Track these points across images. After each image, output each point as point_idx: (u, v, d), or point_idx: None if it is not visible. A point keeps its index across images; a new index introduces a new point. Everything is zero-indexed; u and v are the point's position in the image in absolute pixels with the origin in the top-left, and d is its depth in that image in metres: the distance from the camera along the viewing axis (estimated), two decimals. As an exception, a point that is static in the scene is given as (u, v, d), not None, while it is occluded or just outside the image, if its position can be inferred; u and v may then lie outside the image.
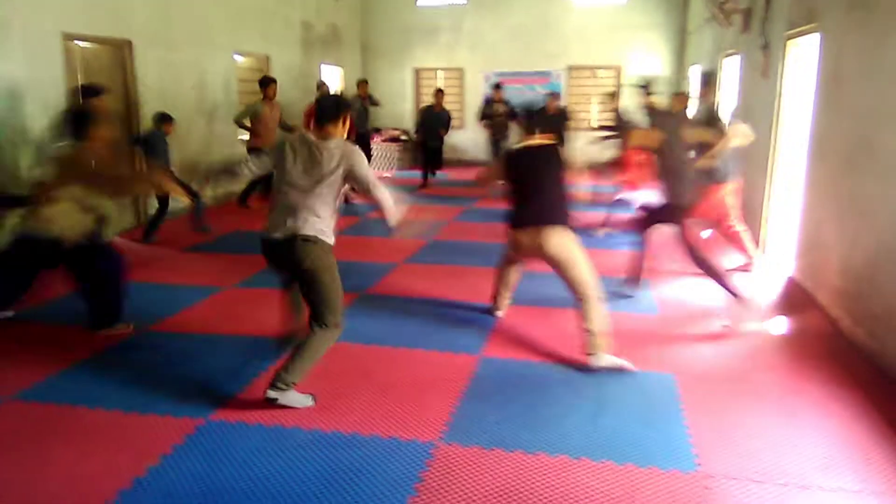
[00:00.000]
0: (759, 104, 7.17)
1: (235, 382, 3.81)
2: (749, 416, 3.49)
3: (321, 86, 10.53)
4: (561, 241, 4.20)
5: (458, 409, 3.54)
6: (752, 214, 7.39)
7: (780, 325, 4.74)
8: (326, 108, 3.65)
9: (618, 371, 3.97)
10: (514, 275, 4.90)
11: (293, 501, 2.77)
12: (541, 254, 4.25)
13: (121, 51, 7.69)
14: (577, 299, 4.17)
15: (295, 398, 3.54)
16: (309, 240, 3.51)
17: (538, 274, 6.05)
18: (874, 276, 4.18)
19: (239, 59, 10.17)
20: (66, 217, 4.24)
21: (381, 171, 13.60)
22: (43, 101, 6.51)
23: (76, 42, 7.05)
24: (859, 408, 3.57)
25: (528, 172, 4.35)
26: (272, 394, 3.48)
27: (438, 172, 12.41)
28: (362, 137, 11.82)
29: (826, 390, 3.77)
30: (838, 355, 4.27)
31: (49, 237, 4.20)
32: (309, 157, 3.55)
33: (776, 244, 6.62)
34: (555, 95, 10.94)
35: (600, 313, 4.10)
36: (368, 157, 12.33)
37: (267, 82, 8.87)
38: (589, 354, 4.04)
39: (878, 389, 3.78)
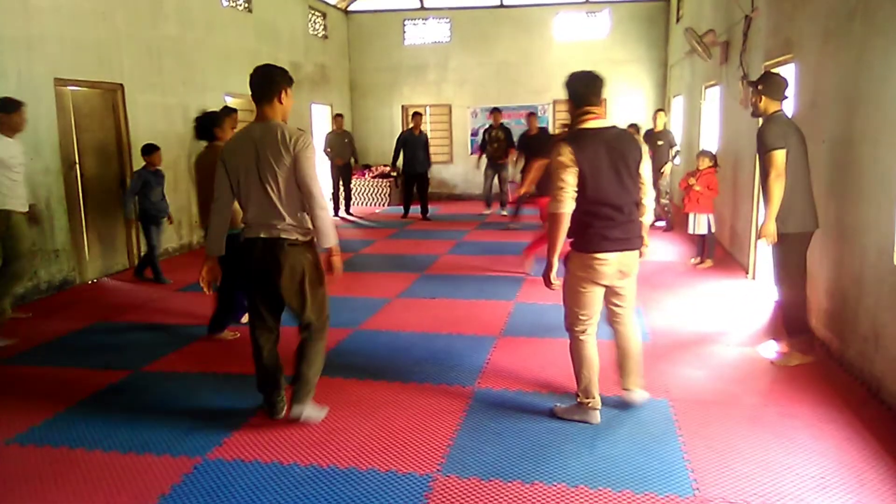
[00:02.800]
0: (742, 133, 7.33)
1: (231, 420, 3.80)
2: (744, 439, 3.52)
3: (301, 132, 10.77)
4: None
5: (455, 441, 3.55)
6: (740, 240, 7.50)
7: (771, 349, 4.78)
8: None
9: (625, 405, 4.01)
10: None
11: (293, 538, 2.76)
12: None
13: (112, 95, 7.79)
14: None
15: (316, 410, 3.79)
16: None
17: (529, 305, 6.11)
18: (860, 297, 4.25)
19: (229, 99, 10.29)
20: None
21: (372, 207, 13.70)
22: (35, 144, 6.56)
23: (68, 87, 7.14)
24: (852, 429, 3.60)
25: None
26: (297, 411, 3.72)
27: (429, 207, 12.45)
28: (345, 168, 12.07)
29: (818, 412, 3.81)
30: (829, 377, 4.32)
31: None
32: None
33: (765, 269, 6.70)
34: (532, 115, 11.12)
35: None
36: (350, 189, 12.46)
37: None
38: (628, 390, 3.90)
39: (869, 409, 3.82)
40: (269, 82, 3.61)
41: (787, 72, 5.95)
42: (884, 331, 3.91)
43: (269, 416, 3.80)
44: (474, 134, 14.70)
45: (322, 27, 13.92)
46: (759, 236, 4.54)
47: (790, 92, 4.57)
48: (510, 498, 3.01)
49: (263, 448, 3.49)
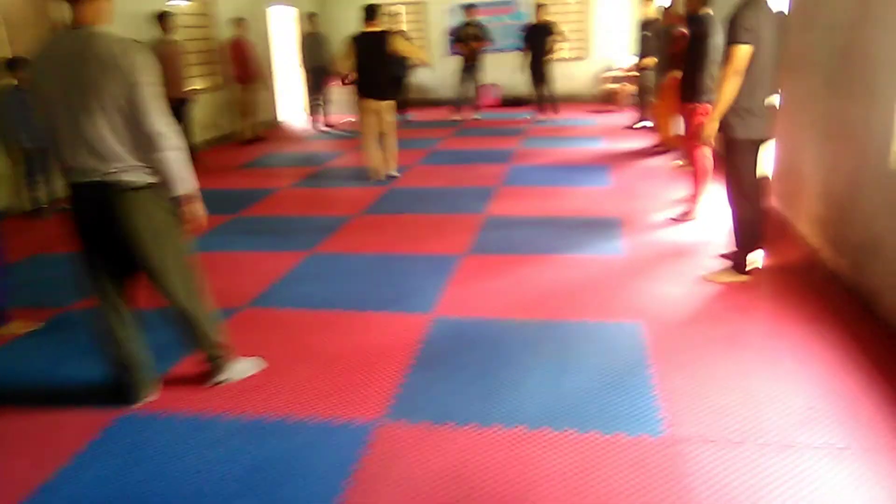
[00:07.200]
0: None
1: (161, 363, 3.41)
2: (724, 365, 3.18)
3: (239, 22, 9.95)
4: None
5: (408, 379, 3.20)
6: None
7: (758, 259, 4.39)
8: None
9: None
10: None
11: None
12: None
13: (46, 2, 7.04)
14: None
15: (240, 368, 3.25)
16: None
17: (499, 218, 5.68)
18: (856, 201, 3.84)
19: (182, 3, 9.48)
20: None
21: (343, 115, 13.00)
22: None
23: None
24: (844, 349, 3.27)
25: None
26: (216, 378, 3.20)
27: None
28: (318, 72, 11.27)
29: (808, 330, 3.47)
30: (820, 289, 3.96)
31: None
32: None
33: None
34: (541, 7, 11.06)
35: None
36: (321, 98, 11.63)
37: (163, 16, 7.93)
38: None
39: (862, 326, 3.48)
40: None
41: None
42: (881, 240, 3.52)
43: (126, 402, 3.06)
44: (452, 34, 13.83)
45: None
46: (700, 137, 4.12)
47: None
48: (464, 445, 2.68)
49: (192, 396, 3.13)
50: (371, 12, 7.02)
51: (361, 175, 7.48)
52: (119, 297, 2.99)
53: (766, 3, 3.74)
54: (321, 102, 11.59)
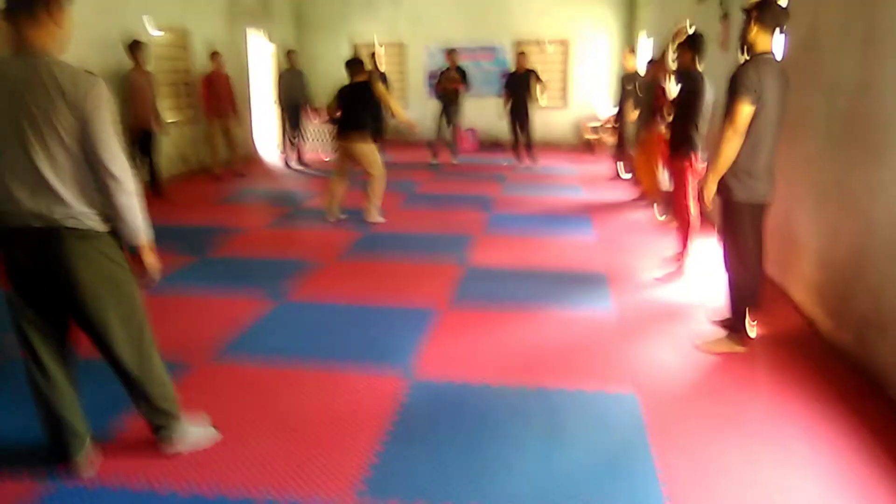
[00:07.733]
0: (718, 78, 6.63)
1: (100, 421, 3.06)
2: (729, 449, 2.92)
3: (214, 56, 9.68)
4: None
5: (380, 452, 2.88)
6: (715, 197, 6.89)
7: (752, 329, 4.16)
8: None
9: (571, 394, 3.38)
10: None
11: None
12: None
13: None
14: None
15: (193, 437, 2.89)
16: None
17: (482, 269, 5.42)
18: (860, 272, 3.66)
19: (156, 34, 9.20)
20: None
21: (321, 153, 12.75)
22: None
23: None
24: (852, 431, 3.03)
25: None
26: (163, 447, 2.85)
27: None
28: (295, 109, 10.96)
29: (812, 409, 3.24)
30: (821, 364, 3.74)
31: None
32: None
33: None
34: (522, 54, 11.09)
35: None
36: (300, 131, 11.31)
37: (135, 46, 7.86)
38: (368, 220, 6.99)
39: (869, 406, 3.26)
40: None
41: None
42: (891, 314, 3.33)
43: (57, 470, 2.72)
44: (432, 77, 13.74)
45: (264, -46, 12.68)
46: (698, 200, 3.89)
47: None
48: (444, 538, 2.38)
49: (135, 465, 2.77)
50: (354, 66, 7.05)
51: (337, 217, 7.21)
52: (50, 355, 2.62)
53: (772, 60, 3.58)
54: (297, 140, 11.31)
